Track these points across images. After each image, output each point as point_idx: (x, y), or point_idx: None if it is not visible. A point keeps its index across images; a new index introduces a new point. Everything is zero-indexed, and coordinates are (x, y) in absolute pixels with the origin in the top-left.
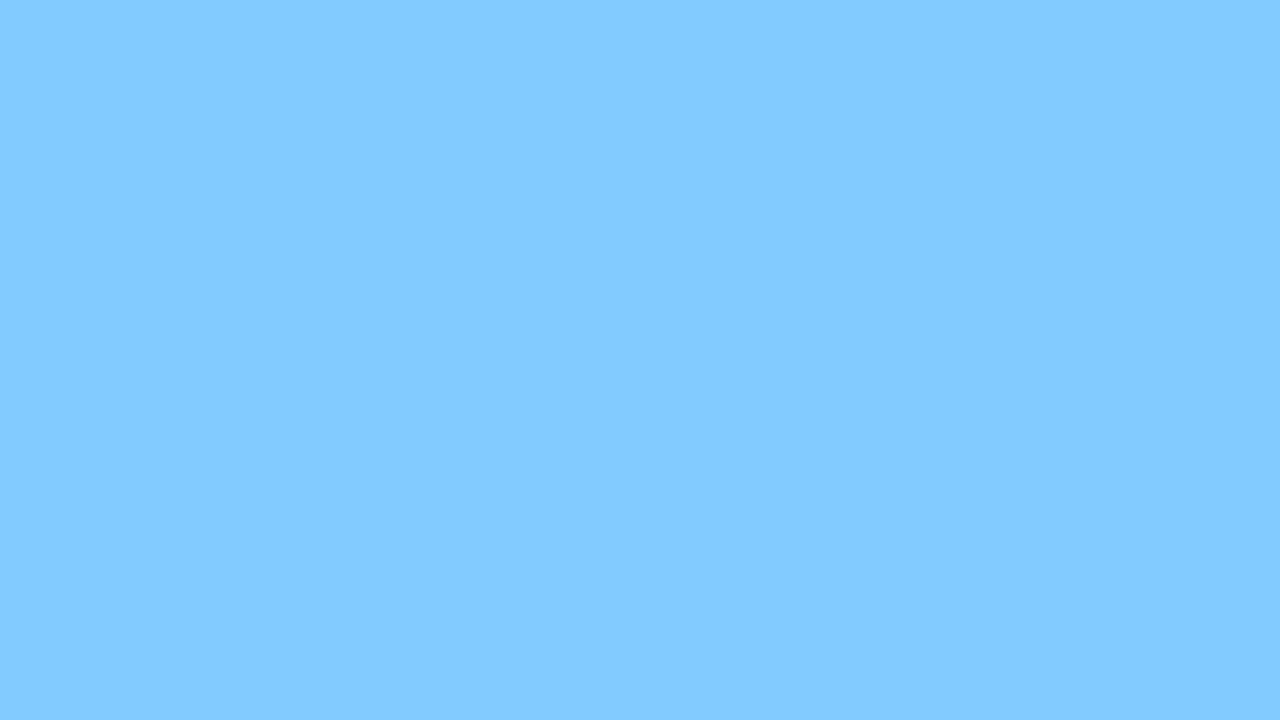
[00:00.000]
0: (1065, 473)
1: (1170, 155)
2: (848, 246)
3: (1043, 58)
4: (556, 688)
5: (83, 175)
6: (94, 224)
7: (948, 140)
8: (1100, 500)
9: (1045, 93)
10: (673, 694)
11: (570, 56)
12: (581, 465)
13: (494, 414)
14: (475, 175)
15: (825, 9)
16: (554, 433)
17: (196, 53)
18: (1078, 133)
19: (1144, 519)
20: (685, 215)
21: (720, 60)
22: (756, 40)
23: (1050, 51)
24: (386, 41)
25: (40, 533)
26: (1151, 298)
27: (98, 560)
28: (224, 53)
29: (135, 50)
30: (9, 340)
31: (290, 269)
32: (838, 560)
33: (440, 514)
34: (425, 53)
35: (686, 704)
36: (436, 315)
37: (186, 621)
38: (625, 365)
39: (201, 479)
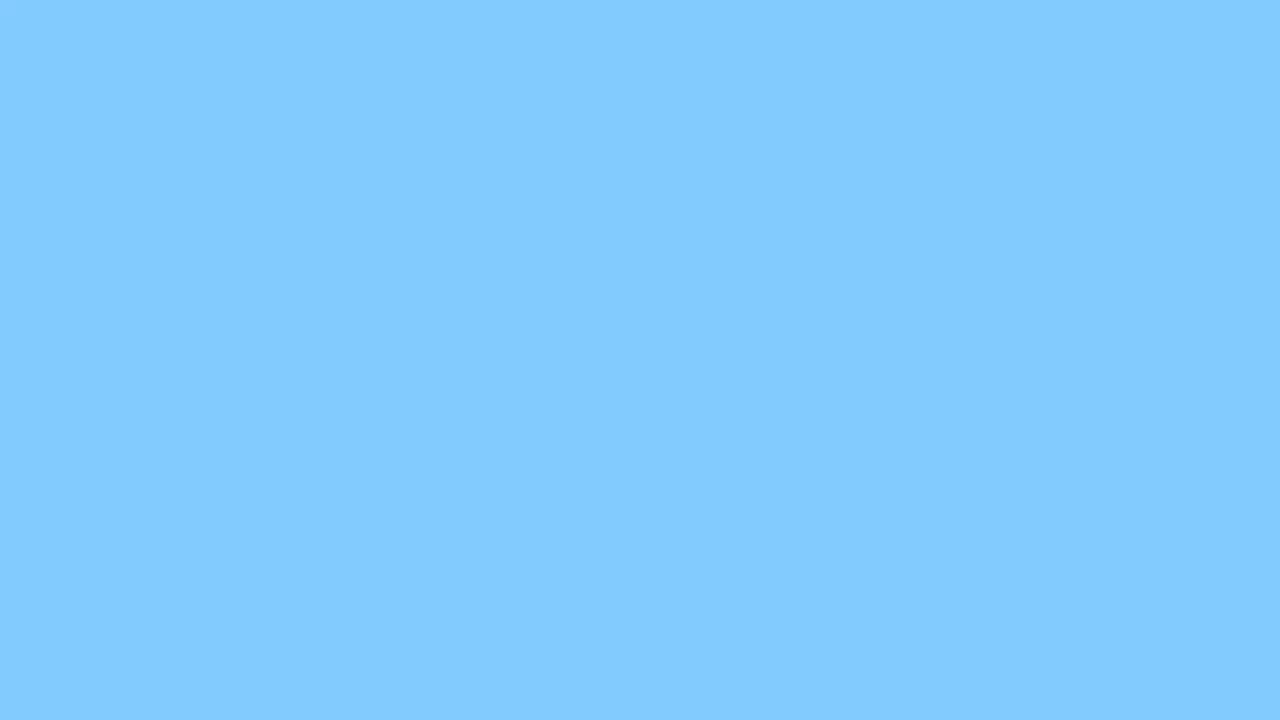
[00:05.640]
0: (1065, 473)
1: (1170, 155)
2: (848, 246)
3: (1043, 58)
4: (557, 688)
5: (83, 175)
6: (94, 224)
7: (948, 140)
8: (1100, 500)
9: (1045, 93)
10: (673, 694)
11: (570, 56)
12: (582, 465)
13: (494, 414)
14: (475, 175)
15: (825, 9)
16: (554, 433)
17: (197, 53)
18: (1078, 133)
19: (1144, 519)
20: (685, 215)
21: (720, 60)
22: (756, 40)
23: (1050, 51)
24: (387, 41)
25: (40, 533)
26: (1152, 298)
27: (98, 560)
28: (224, 53)
29: (135, 50)
30: (9, 340)
31: (290, 269)
32: (838, 560)
33: (440, 514)
34: (425, 53)
35: (687, 704)
36: (437, 315)
37: (187, 621)
38: (625, 365)
39: (202, 479)
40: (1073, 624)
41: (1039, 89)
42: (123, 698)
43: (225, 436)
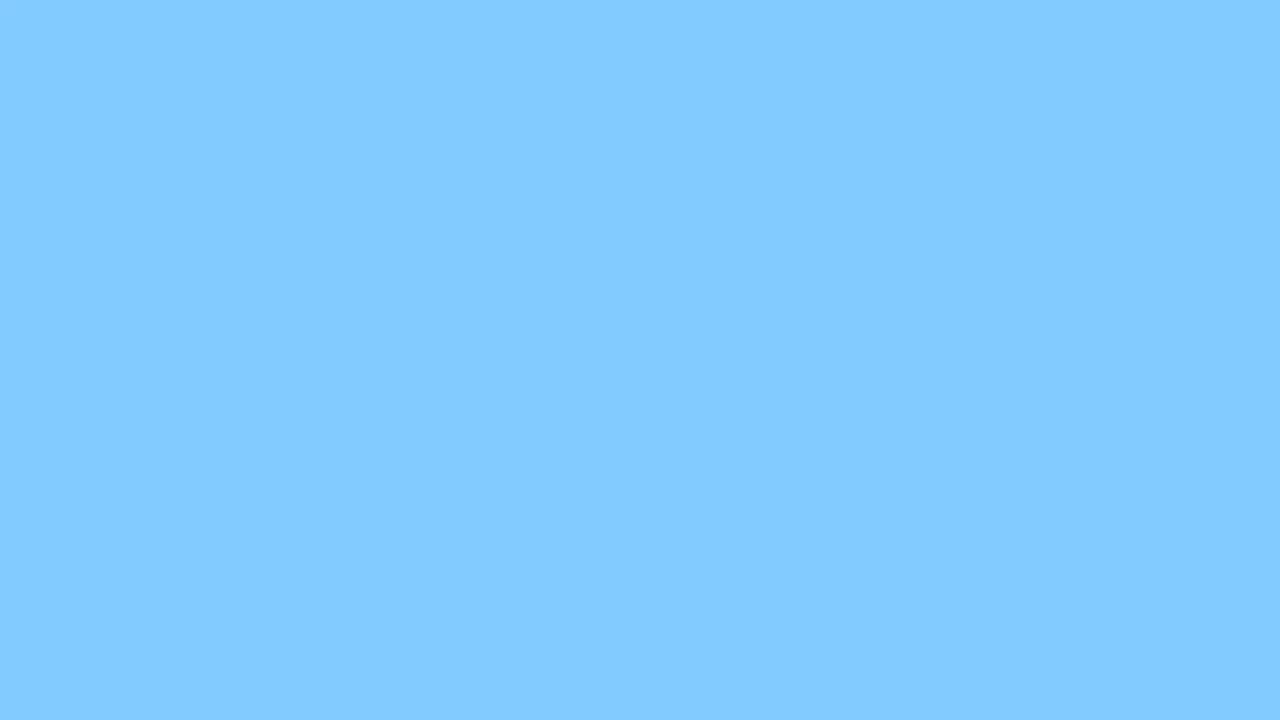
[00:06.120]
0: (1065, 473)
1: (1170, 155)
2: (848, 246)
3: (1043, 58)
4: (556, 688)
5: (83, 175)
6: (94, 224)
7: (948, 140)
8: (1100, 500)
9: (1045, 93)
10: (673, 694)
11: (570, 56)
12: (582, 465)
13: (494, 414)
14: (475, 175)
15: (825, 9)
16: (554, 433)
17: (197, 53)
18: (1078, 133)
19: (1144, 519)
20: (685, 215)
21: (720, 60)
22: (756, 40)
23: (1050, 52)
24: (387, 41)
25: (40, 533)
26: (1152, 298)
27: (98, 560)
28: (224, 53)
29: (135, 50)
30: (9, 340)
31: (290, 269)
32: (838, 560)
33: (440, 514)
34: (425, 53)
35: (687, 704)
36: (437, 315)
37: (187, 621)
38: (625, 366)
39: (202, 479)
40: (1073, 624)
41: (1039, 89)
42: (123, 698)
43: (224, 436)
